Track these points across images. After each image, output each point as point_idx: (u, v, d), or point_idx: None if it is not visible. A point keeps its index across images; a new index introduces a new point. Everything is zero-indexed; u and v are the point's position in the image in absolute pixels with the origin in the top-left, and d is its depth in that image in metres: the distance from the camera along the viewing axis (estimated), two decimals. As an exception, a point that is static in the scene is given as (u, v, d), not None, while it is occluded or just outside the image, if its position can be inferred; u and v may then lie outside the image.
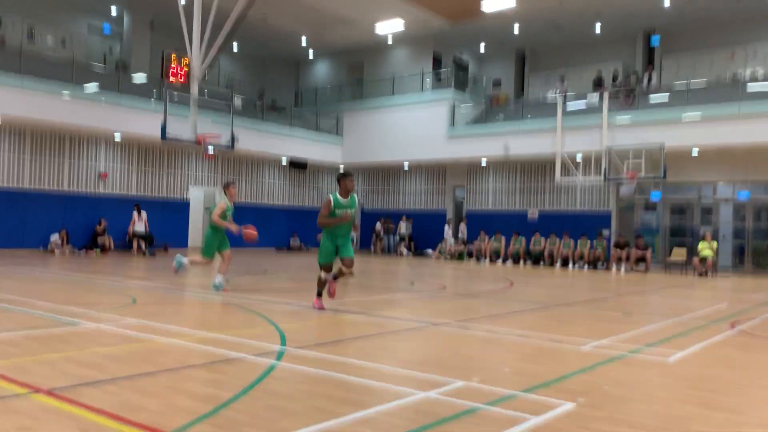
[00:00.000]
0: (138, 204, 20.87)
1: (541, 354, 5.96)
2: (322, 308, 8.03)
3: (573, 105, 21.85)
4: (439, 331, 7.07)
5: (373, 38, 26.11)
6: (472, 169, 25.86)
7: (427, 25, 24.56)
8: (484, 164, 24.69)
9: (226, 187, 10.44)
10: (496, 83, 28.04)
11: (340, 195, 7.94)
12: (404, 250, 25.40)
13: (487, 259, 22.45)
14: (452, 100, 24.70)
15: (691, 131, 19.16)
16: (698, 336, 7.09)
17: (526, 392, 4.40)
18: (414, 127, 24.91)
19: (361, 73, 28.64)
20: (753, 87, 20.12)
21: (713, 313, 9.36)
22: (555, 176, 20.71)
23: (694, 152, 19.70)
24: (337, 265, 8.09)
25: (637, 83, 23.19)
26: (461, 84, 26.67)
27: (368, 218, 27.71)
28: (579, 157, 20.09)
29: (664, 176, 18.67)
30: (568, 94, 23.28)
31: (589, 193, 23.02)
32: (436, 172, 26.94)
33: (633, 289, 13.40)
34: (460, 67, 27.76)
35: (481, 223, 24.03)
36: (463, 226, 24.48)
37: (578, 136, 20.24)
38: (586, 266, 20.66)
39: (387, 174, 28.28)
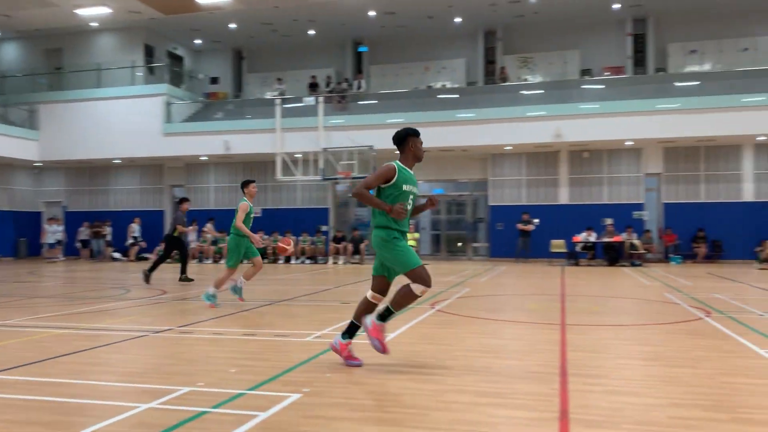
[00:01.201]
0: None
1: (267, 350, 6.05)
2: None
3: (291, 106, 22.53)
4: (161, 338, 6.73)
5: (74, 22, 23.68)
6: (191, 168, 25.07)
7: (138, 15, 23.08)
8: (205, 160, 24.11)
9: (245, 185, 9.45)
10: (214, 80, 27.57)
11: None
12: (116, 255, 23.51)
13: (210, 260, 22.00)
14: (167, 95, 23.61)
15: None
16: (405, 317, 7.88)
17: (253, 389, 4.44)
18: (125, 122, 23.23)
19: (61, 60, 25.75)
20: (442, 96, 23.21)
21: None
22: (276, 175, 21.14)
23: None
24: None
25: (348, 89, 24.80)
26: (177, 79, 25.65)
27: (74, 220, 25.03)
28: (299, 157, 20.80)
29: (374, 175, 20.34)
30: (285, 96, 23.93)
31: (309, 191, 23.99)
32: (152, 170, 25.51)
33: (351, 280, 14.32)
34: (176, 62, 26.68)
35: (205, 222, 23.46)
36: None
37: (297, 137, 20.97)
38: (307, 261, 21.53)
39: (95, 172, 25.89)
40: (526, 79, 25.08)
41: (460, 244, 24.05)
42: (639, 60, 24.56)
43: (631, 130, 20.17)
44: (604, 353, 5.93)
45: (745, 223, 20.54)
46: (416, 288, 5.01)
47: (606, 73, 24.25)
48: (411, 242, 20.40)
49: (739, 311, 8.56)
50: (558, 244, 21.16)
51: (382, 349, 5.12)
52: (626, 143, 21.23)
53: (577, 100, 21.48)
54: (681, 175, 21.48)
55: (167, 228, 23.78)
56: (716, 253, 20.69)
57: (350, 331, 5.28)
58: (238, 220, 9.05)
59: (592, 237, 20.49)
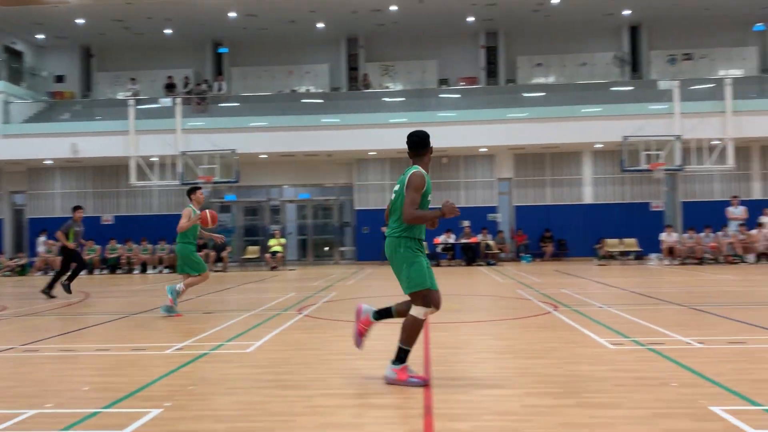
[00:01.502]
0: None
1: (124, 365, 5.72)
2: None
3: (145, 107, 21.45)
4: (2, 358, 6.14)
5: None
6: (34, 172, 23.08)
7: (-32, 4, 20.93)
8: (50, 164, 22.28)
9: (192, 192, 9.30)
10: (59, 79, 25.61)
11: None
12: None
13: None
14: (5, 93, 21.59)
15: (258, 138, 20.82)
16: (272, 324, 7.78)
17: (109, 407, 4.18)
18: (-47, 123, 20.95)
19: None
20: (306, 101, 23.21)
21: (284, 302, 10.39)
22: (130, 179, 20.02)
23: (263, 157, 21.50)
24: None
25: (208, 90, 24.06)
26: (16, 76, 23.55)
27: None
28: (155, 160, 19.85)
29: (237, 180, 19.90)
30: (139, 97, 22.74)
31: (167, 197, 22.94)
32: (-13, 175, 23.21)
33: (213, 289, 13.89)
34: (15, 58, 24.47)
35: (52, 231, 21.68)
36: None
37: (152, 139, 20.01)
38: (165, 270, 20.57)
39: None
40: (387, 87, 25.70)
41: (327, 248, 24.13)
42: (491, 71, 26.03)
43: (485, 138, 21.33)
44: (465, 349, 6.23)
45: (586, 224, 22.42)
46: (421, 313, 4.65)
47: (461, 83, 25.47)
48: (277, 247, 20.23)
49: (583, 304, 9.34)
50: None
51: (359, 343, 4.97)
52: (481, 150, 22.42)
53: (436, 108, 22.39)
54: (529, 179, 23.03)
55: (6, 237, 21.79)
56: (561, 252, 22.41)
57: (382, 315, 4.95)
58: (182, 224, 8.90)
59: (452, 239, 21.40)
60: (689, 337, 6.32)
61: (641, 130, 19.96)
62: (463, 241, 21.14)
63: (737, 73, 24.47)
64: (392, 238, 4.76)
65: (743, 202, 20.01)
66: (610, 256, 21.18)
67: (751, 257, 18.90)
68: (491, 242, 21.52)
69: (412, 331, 4.66)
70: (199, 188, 9.51)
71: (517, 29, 25.64)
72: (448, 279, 15.31)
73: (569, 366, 5.23)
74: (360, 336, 4.97)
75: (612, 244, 21.52)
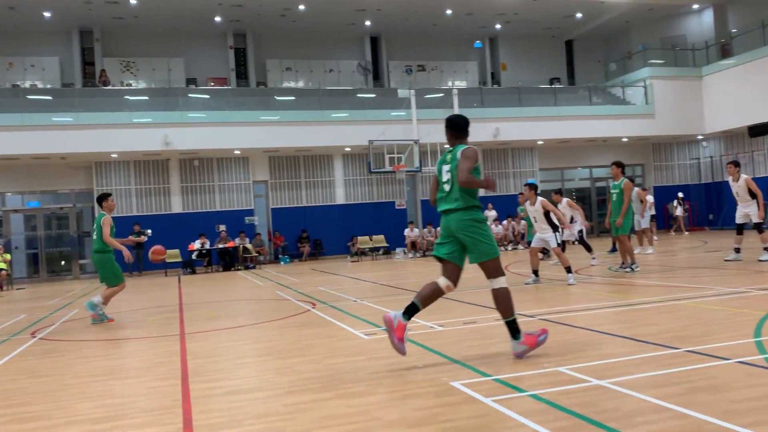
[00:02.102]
0: None
1: None
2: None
3: None
4: None
5: None
6: None
7: None
8: None
9: (104, 199, 9.11)
10: None
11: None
12: None
13: None
14: None
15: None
16: (2, 352, 6.80)
17: None
18: None
19: None
20: (33, 97, 20.64)
21: (13, 327, 9.14)
22: None
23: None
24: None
25: None
26: None
27: None
28: None
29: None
30: None
31: None
32: None
33: None
34: None
35: None
36: None
37: None
38: None
39: None
40: (130, 84, 24.05)
41: (63, 262, 21.77)
42: (241, 73, 25.84)
43: (238, 140, 21.09)
44: (224, 356, 6.10)
45: (339, 223, 23.42)
46: (503, 282, 4.91)
47: (211, 84, 24.86)
48: (1, 264, 17.66)
49: (338, 300, 9.74)
50: (173, 254, 20.83)
51: (402, 349, 4.86)
52: (235, 152, 22.12)
53: (184, 108, 21.53)
54: (285, 181, 23.34)
55: None
56: (318, 251, 23.12)
57: (410, 312, 4.91)
58: (106, 236, 8.80)
59: (207, 244, 20.77)
60: (432, 322, 6.96)
61: (385, 134, 21.43)
62: (220, 246, 20.66)
63: (462, 84, 27.56)
64: (460, 211, 4.95)
65: (471, 199, 22.57)
66: (362, 253, 22.42)
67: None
68: (249, 246, 21.37)
69: (507, 301, 4.90)
70: (110, 195, 9.37)
71: (266, 32, 25.81)
72: (204, 286, 14.85)
73: (328, 360, 5.42)
74: (401, 342, 4.87)
75: (363, 241, 22.79)
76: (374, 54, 27.79)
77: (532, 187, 10.66)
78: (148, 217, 21.51)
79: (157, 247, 9.87)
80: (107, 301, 9.01)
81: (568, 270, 9.92)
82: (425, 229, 22.41)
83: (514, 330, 4.92)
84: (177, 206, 21.98)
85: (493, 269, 4.99)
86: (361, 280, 13.38)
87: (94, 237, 9.00)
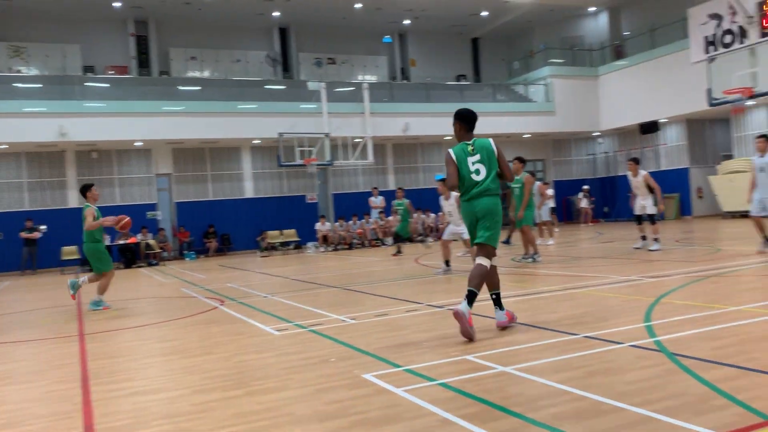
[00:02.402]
0: None
1: None
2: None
3: None
4: None
5: None
6: None
7: None
8: None
9: (88, 189, 9.25)
10: None
11: None
12: None
13: None
14: None
15: None
16: None
17: None
18: None
19: None
20: None
21: None
22: None
23: None
24: None
25: None
26: None
27: None
28: None
29: None
30: None
31: None
32: None
33: None
34: None
35: None
36: None
37: None
38: None
39: None
40: (20, 71, 22.56)
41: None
42: (143, 61, 24.81)
43: (139, 131, 20.25)
44: (128, 356, 5.86)
45: (248, 217, 23.00)
46: (488, 263, 5.54)
47: (110, 72, 23.73)
48: None
49: (248, 296, 9.58)
50: (70, 251, 19.78)
51: (473, 335, 5.20)
52: (136, 144, 21.23)
53: (81, 97, 20.44)
54: (190, 174, 22.65)
55: None
56: (226, 246, 22.61)
57: (470, 300, 5.32)
58: (89, 224, 8.93)
59: (107, 240, 19.82)
60: (343, 315, 6.98)
61: (295, 127, 21.23)
62: (121, 242, 19.78)
63: (372, 79, 27.72)
64: (493, 197, 5.64)
65: (381, 193, 22.79)
66: (272, 247, 22.14)
67: (389, 240, 21.68)
68: (152, 241, 20.59)
69: (482, 276, 5.47)
70: (93, 185, 9.49)
71: (169, 20, 24.90)
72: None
73: (237, 357, 5.32)
74: (472, 328, 5.22)
75: (273, 236, 22.51)
76: (283, 45, 27.43)
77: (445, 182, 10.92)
78: (43, 212, 20.28)
79: (124, 217, 9.40)
80: (104, 291, 9.27)
81: (447, 263, 10.75)
82: (337, 223, 22.41)
83: (470, 300, 5.38)
84: (73, 201, 20.81)
85: (492, 252, 5.62)
86: (271, 275, 13.22)
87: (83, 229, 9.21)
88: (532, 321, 5.90)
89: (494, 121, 24.92)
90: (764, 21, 12.09)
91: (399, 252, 16.11)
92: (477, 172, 5.60)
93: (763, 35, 12.76)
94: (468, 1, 25.64)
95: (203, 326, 7.15)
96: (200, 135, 21.14)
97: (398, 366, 4.55)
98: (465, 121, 5.77)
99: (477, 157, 5.64)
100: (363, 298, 8.41)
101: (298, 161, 21.46)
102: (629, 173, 12.43)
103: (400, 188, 17.62)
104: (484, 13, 27.70)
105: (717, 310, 5.77)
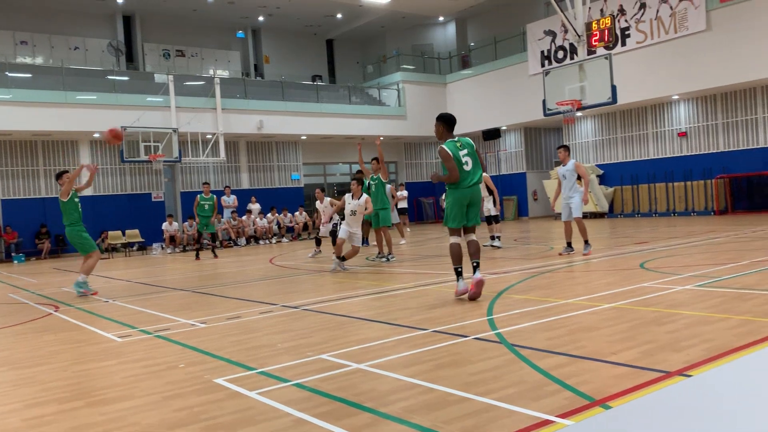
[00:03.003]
0: None
1: None
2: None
3: None
4: None
5: None
6: None
7: None
8: None
9: (60, 177, 9.73)
10: None
11: None
12: None
13: None
14: None
15: None
16: None
17: None
18: None
19: None
20: None
21: None
22: None
23: None
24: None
25: None
26: None
27: None
28: None
29: None
30: None
31: None
32: None
33: None
34: None
35: None
36: None
37: None
38: None
39: None
40: None
41: None
42: (-37, 43, 22.27)
43: (-42, 120, 18.14)
44: (-57, 372, 5.23)
45: (87, 217, 21.18)
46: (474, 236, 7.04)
47: None
48: None
49: (87, 301, 8.92)
50: None
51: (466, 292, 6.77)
52: (-47, 134, 19.00)
53: None
54: (19, 169, 20.68)
55: None
56: (61, 248, 20.89)
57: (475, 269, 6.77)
58: (63, 192, 9.41)
59: None
60: (193, 319, 6.74)
61: (140, 121, 20.10)
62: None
63: (224, 74, 26.97)
64: (478, 186, 6.86)
65: (234, 192, 22.24)
66: (114, 249, 20.80)
67: (242, 240, 21.20)
68: (-28, 242, 18.51)
69: (479, 248, 7.01)
70: (67, 171, 9.89)
71: (-5, -2, 22.56)
72: None
73: (76, 367, 4.95)
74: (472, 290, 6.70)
75: (115, 236, 21.17)
76: (127, 34, 25.88)
77: (360, 182, 10.92)
78: None
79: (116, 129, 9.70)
80: (89, 272, 9.50)
81: (342, 258, 10.56)
82: (186, 223, 21.51)
83: (476, 269, 6.77)
84: None
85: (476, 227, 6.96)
86: (112, 278, 12.43)
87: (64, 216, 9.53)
88: (386, 318, 6.07)
89: (349, 123, 25.28)
90: (591, 40, 13.37)
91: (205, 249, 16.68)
92: (467, 164, 6.74)
93: (590, 53, 14.10)
94: (323, 2, 25.76)
95: (35, 335, 6.57)
96: (31, 127, 19.35)
97: (252, 369, 4.48)
98: (447, 122, 6.89)
99: (465, 151, 6.77)
100: (214, 301, 8.17)
101: (143, 157, 20.34)
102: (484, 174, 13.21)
103: (206, 183, 17.07)
104: (339, 16, 27.98)
105: (550, 303, 6.29)
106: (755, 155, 19.86)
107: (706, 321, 5.00)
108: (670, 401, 3.19)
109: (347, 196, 11.09)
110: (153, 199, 22.89)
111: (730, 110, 20.46)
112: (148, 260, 17.59)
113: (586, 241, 10.63)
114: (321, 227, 14.89)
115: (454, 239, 6.93)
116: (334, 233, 13.66)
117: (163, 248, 20.94)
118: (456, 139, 6.83)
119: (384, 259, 11.86)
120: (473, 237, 6.92)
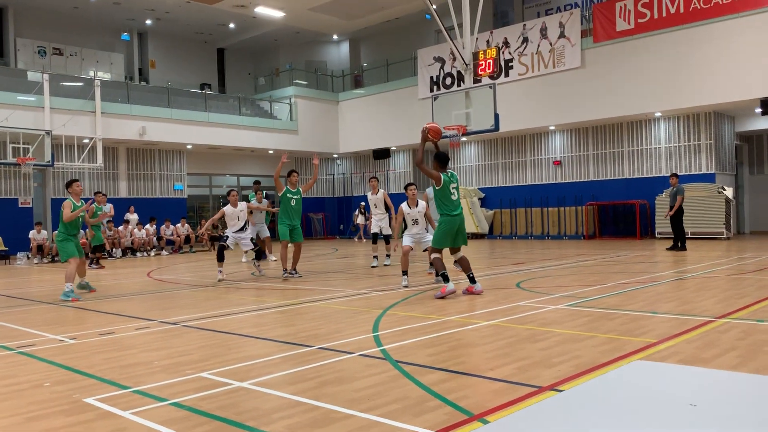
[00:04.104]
0: None
1: None
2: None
3: None
4: None
5: None
6: None
7: None
8: None
9: (69, 185, 9.65)
10: None
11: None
12: None
13: None
14: None
15: None
16: None
17: None
18: None
19: None
20: None
21: None
22: None
23: None
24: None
25: None
26: None
27: None
28: None
29: None
30: None
31: None
32: None
33: None
34: None
35: None
36: None
37: None
38: None
39: None
40: None
41: None
42: None
43: None
44: None
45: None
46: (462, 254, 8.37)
47: None
48: None
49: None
50: None
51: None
52: None
53: None
54: None
55: None
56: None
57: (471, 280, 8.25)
58: (65, 217, 9.14)
59: None
60: (62, 335, 6.30)
61: (8, 120, 18.66)
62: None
63: (106, 76, 25.63)
64: (463, 215, 8.14)
65: (110, 200, 21.09)
66: (-29, 258, 19.03)
67: (118, 252, 20.09)
68: None
69: (466, 264, 8.30)
70: (77, 180, 9.71)
71: None
72: None
73: None
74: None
75: (-27, 244, 19.35)
76: (-2, 27, 24.01)
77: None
78: None
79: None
80: (71, 278, 9.18)
81: (405, 273, 9.50)
82: (55, 232, 20.05)
83: (472, 278, 8.22)
84: None
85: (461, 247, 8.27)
86: (-31, 289, 11.35)
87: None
88: (270, 335, 5.97)
89: (239, 134, 24.78)
90: (477, 69, 14.01)
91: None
92: (453, 194, 7.98)
93: (476, 81, 14.76)
94: (215, 10, 25.19)
95: None
96: None
97: (126, 387, 4.26)
98: (443, 162, 8.17)
99: (454, 184, 8.05)
100: (85, 315, 7.68)
101: (11, 160, 18.84)
102: (369, 192, 13.34)
103: (98, 192, 16.25)
104: (232, 25, 27.49)
105: (432, 320, 6.46)
106: (620, 185, 21.55)
107: (575, 339, 5.33)
108: (541, 415, 3.37)
109: (403, 205, 10.18)
110: (20, 205, 21.22)
111: (600, 143, 22.10)
112: (12, 270, 16.23)
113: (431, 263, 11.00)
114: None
115: (437, 254, 8.13)
116: (223, 247, 11.57)
117: (29, 258, 19.40)
118: (449, 173, 8.08)
119: (294, 275, 11.44)
120: (461, 254, 8.22)
